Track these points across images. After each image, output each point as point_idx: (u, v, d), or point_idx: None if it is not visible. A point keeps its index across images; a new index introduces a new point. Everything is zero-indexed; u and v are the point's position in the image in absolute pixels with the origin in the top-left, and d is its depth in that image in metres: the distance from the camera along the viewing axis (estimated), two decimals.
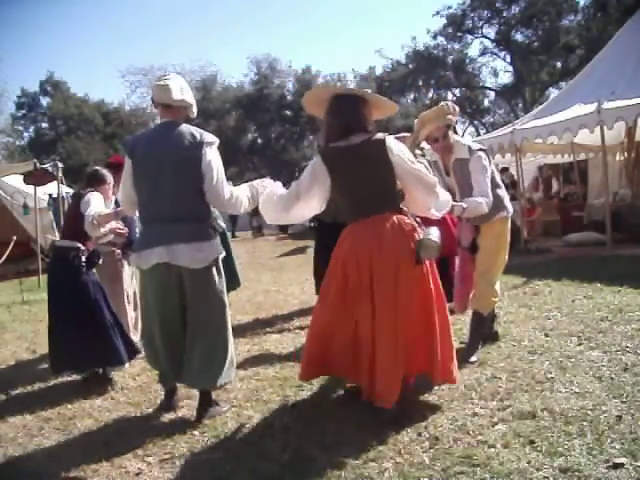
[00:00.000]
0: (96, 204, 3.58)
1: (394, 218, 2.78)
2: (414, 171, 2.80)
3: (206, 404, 2.99)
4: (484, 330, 3.76)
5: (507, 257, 3.78)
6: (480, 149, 3.59)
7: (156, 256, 2.89)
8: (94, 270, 3.82)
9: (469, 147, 3.59)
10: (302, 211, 2.93)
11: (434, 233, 2.77)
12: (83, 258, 3.68)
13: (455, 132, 3.67)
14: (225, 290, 3.06)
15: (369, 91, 2.95)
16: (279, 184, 3.12)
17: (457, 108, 3.62)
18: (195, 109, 3.08)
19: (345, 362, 2.86)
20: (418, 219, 2.98)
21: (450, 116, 3.52)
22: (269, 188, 3.04)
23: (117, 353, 3.63)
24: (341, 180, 2.82)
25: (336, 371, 2.99)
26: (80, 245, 3.68)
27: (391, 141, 2.80)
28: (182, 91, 2.97)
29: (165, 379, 3.14)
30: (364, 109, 2.85)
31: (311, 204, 2.90)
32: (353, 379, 2.97)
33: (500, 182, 3.78)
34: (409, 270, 2.74)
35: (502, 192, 3.69)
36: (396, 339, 2.68)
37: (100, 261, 3.86)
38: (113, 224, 3.65)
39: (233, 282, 5.44)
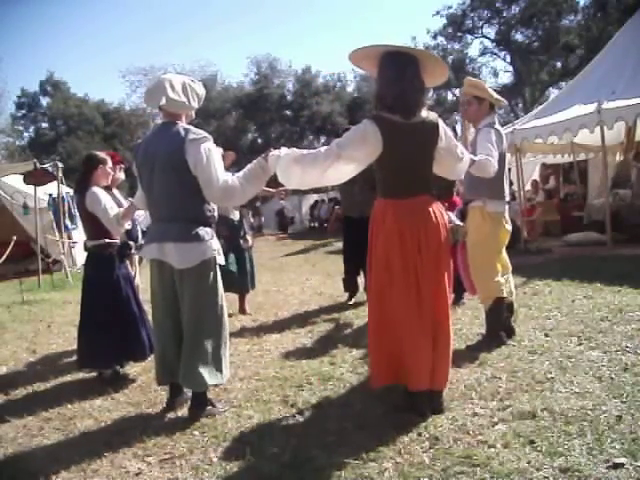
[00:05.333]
0: (110, 204, 3.68)
1: (432, 200, 2.85)
2: (452, 147, 2.88)
3: (199, 404, 2.99)
4: (496, 323, 3.78)
5: (499, 256, 3.76)
6: (490, 125, 3.71)
7: (151, 252, 3.00)
8: (127, 263, 3.91)
9: (485, 122, 3.75)
10: (339, 172, 2.74)
11: (455, 218, 2.99)
12: (114, 252, 3.77)
13: (492, 109, 3.86)
14: (220, 292, 3.04)
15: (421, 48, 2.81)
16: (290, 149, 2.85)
17: (481, 85, 3.87)
18: (192, 105, 3.04)
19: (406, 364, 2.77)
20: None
21: (472, 88, 3.81)
22: (285, 151, 2.78)
23: (142, 346, 3.74)
24: (394, 154, 2.72)
25: (402, 378, 2.83)
26: (108, 240, 3.74)
27: (441, 125, 2.80)
28: (175, 91, 2.93)
29: (157, 372, 3.15)
30: (422, 76, 2.75)
31: (349, 166, 2.74)
32: (415, 383, 2.76)
33: (504, 177, 3.78)
34: (446, 252, 2.85)
35: (498, 184, 3.69)
36: (448, 319, 2.79)
37: (132, 250, 3.90)
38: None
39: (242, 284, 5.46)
